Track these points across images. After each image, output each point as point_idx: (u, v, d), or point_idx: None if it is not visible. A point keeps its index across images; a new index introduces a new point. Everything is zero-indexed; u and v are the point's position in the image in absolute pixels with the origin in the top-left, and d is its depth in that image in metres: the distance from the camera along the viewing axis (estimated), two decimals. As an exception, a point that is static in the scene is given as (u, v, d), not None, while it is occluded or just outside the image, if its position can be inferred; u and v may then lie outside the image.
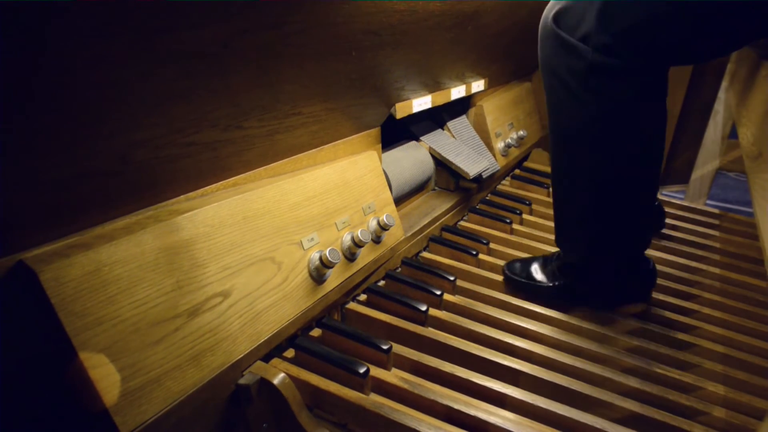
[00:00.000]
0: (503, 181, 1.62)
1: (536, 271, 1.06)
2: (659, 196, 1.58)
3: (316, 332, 0.87)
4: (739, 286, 1.16)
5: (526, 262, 1.09)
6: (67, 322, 0.54)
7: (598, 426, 0.73)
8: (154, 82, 0.57)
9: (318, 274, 0.85)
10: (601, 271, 0.99)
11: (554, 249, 1.09)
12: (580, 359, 0.88)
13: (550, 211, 1.37)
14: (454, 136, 1.39)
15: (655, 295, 1.09)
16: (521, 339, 0.92)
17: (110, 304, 0.58)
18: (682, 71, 2.31)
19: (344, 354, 0.79)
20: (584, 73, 0.73)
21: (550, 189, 1.45)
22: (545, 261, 1.07)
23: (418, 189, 1.33)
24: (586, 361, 0.88)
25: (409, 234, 1.13)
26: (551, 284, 1.03)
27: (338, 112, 0.93)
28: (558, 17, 0.75)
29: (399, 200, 1.22)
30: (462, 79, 1.32)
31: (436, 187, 1.40)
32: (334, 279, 0.89)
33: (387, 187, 1.08)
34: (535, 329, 0.95)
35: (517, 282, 1.07)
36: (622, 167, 0.83)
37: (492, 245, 1.23)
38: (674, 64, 0.78)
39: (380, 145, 1.13)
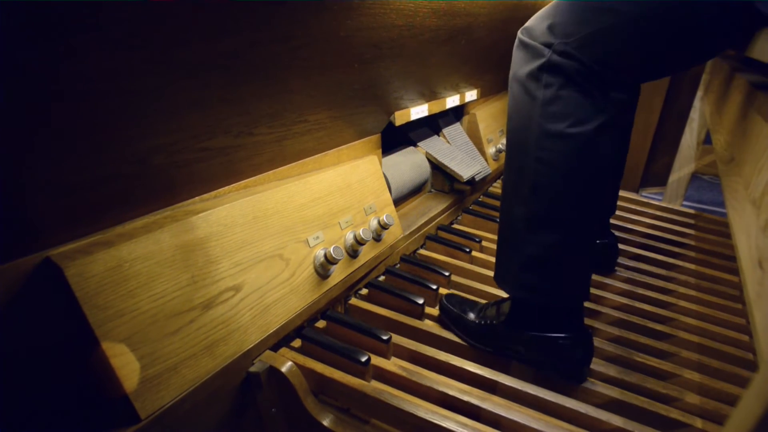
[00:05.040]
0: (494, 184, 1.62)
1: (471, 309, 0.90)
2: (638, 198, 1.58)
3: (321, 324, 0.87)
4: (713, 281, 1.16)
5: (466, 301, 0.94)
6: (91, 314, 0.54)
7: (582, 410, 0.73)
8: (171, 92, 0.57)
9: (323, 270, 0.85)
10: (527, 310, 0.81)
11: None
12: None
13: (538, 212, 1.36)
14: (449, 142, 1.39)
15: (635, 289, 1.09)
16: (511, 330, 0.92)
17: (130, 298, 0.58)
18: (659, 82, 2.31)
19: (347, 344, 0.78)
20: (540, 69, 0.70)
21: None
22: (484, 304, 0.91)
23: (416, 191, 1.33)
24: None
25: (407, 233, 1.13)
26: (477, 321, 0.87)
27: (341, 119, 0.93)
28: (525, 30, 0.75)
29: (398, 201, 1.22)
30: (456, 89, 1.32)
31: (432, 189, 1.40)
32: (337, 274, 0.89)
33: (387, 189, 1.08)
34: (523, 321, 0.95)
35: (450, 313, 0.91)
36: (562, 174, 0.72)
37: (484, 243, 1.23)
38: (638, 72, 0.71)
39: (380, 150, 1.12)
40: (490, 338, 0.85)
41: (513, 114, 0.77)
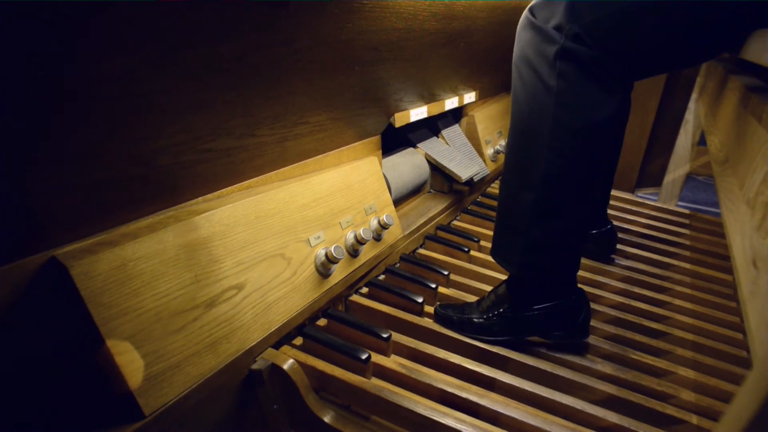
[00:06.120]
0: (492, 184, 1.62)
1: (469, 309, 0.90)
2: (634, 198, 1.58)
3: (322, 322, 0.87)
4: (708, 280, 1.16)
5: (460, 305, 0.94)
6: (96, 312, 0.54)
7: (578, 407, 0.73)
8: (176, 94, 0.57)
9: (324, 269, 0.85)
10: (529, 287, 0.84)
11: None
12: (563, 346, 0.88)
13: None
14: (447, 143, 1.39)
15: (631, 287, 1.09)
16: (509, 328, 0.92)
17: (134, 296, 0.58)
18: (655, 84, 2.31)
19: (348, 342, 0.78)
20: (554, 57, 0.68)
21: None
22: (479, 300, 0.92)
23: (416, 191, 1.33)
24: (568, 347, 0.88)
25: (407, 232, 1.13)
26: (484, 317, 0.87)
27: (342, 121, 0.93)
28: (534, 10, 0.73)
29: (398, 201, 1.22)
30: (455, 91, 1.32)
31: (431, 190, 1.40)
32: (338, 273, 0.89)
33: (387, 190, 1.08)
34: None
35: (451, 319, 0.90)
36: (573, 163, 0.72)
37: (482, 243, 1.23)
38: (640, 64, 0.70)
39: (380, 151, 1.12)
40: (502, 327, 0.86)
41: (521, 98, 0.75)
